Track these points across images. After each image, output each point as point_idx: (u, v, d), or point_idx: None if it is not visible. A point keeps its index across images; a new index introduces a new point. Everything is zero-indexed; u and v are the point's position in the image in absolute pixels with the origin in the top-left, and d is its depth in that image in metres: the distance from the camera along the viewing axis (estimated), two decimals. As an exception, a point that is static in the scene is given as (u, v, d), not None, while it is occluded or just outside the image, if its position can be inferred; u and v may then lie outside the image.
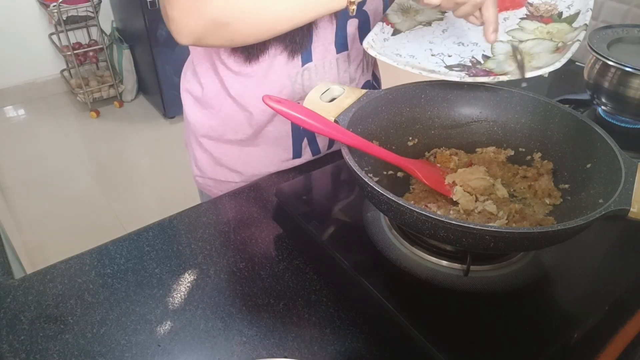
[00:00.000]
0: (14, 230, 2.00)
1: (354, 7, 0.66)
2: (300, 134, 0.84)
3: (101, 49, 2.86)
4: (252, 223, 0.75)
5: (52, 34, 2.83)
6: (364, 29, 0.80)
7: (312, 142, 0.86)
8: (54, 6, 2.53)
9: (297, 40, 0.74)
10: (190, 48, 0.82)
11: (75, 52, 2.73)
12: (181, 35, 0.66)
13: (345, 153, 0.57)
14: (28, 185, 2.40)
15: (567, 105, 0.67)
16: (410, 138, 0.72)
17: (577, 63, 1.22)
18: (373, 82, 0.92)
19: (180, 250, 0.70)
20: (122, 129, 2.81)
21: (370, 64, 0.89)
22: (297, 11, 0.66)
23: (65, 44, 2.73)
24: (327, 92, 0.68)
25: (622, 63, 0.85)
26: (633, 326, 0.57)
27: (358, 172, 0.54)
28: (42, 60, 2.95)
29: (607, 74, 0.88)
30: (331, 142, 0.88)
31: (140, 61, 2.85)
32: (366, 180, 0.53)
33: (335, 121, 0.63)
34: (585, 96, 0.96)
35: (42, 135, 2.77)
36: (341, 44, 0.79)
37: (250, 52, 0.75)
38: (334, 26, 0.76)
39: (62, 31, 2.67)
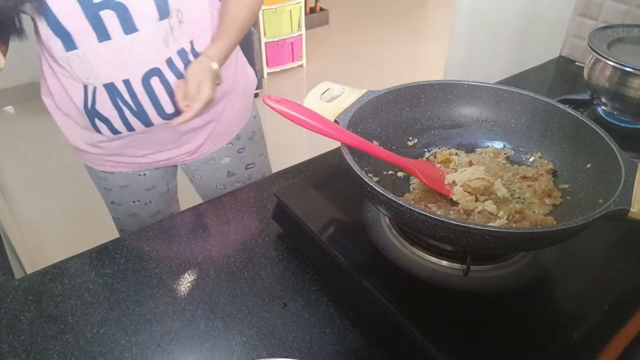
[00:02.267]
0: (14, 230, 2.00)
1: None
2: (91, 112, 0.85)
3: (101, 49, 2.86)
4: (252, 223, 0.75)
5: (52, 34, 2.83)
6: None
7: (106, 121, 0.86)
8: (54, 6, 2.53)
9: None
10: None
11: (75, 52, 2.72)
12: None
13: (345, 153, 0.57)
14: (28, 185, 2.40)
15: (567, 105, 0.67)
16: (410, 138, 0.72)
17: (577, 63, 1.22)
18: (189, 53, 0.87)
19: (180, 250, 0.70)
20: (122, 129, 2.81)
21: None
22: None
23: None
24: (327, 92, 0.68)
25: (622, 63, 0.85)
26: (633, 326, 0.57)
27: (358, 172, 0.54)
28: (42, 60, 2.95)
29: (607, 74, 0.88)
30: (128, 125, 0.87)
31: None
32: (366, 180, 0.53)
33: (335, 121, 0.63)
34: (585, 96, 0.96)
35: (42, 135, 2.77)
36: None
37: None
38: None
39: (62, 31, 2.67)
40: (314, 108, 0.65)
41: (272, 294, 0.63)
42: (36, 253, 2.00)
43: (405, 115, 0.71)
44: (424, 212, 0.50)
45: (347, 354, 0.56)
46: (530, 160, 0.70)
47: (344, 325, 0.59)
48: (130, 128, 0.87)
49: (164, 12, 0.77)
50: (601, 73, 0.89)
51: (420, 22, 4.05)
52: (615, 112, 0.92)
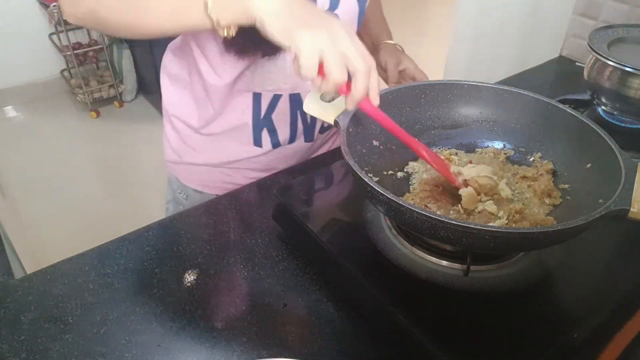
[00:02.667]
0: (14, 230, 2.00)
1: (230, 31, 0.60)
2: (260, 123, 0.85)
3: (101, 49, 2.86)
4: (252, 223, 0.75)
5: (52, 34, 2.83)
6: None
7: (272, 133, 0.86)
8: (54, 6, 2.53)
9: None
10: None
11: (75, 52, 2.72)
12: (68, 17, 0.69)
13: (345, 153, 0.57)
14: (28, 185, 2.40)
15: (567, 105, 0.67)
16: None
17: (577, 63, 1.22)
18: None
19: (180, 250, 0.70)
20: (122, 129, 2.81)
21: None
22: (165, 20, 0.64)
23: (65, 44, 2.72)
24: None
25: (623, 63, 0.85)
26: (633, 326, 0.58)
27: (358, 172, 0.54)
28: (42, 60, 2.95)
29: (608, 74, 0.88)
30: (292, 135, 0.88)
31: (140, 61, 2.85)
32: (366, 180, 0.53)
33: (336, 122, 0.63)
34: (585, 96, 0.96)
35: (42, 135, 2.77)
36: None
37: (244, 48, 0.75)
38: None
39: (62, 31, 2.67)
40: (314, 107, 0.65)
41: (272, 294, 0.63)
42: (36, 253, 2.00)
43: (406, 116, 0.71)
44: (424, 212, 0.50)
45: (347, 354, 0.56)
46: (530, 160, 0.70)
47: (344, 325, 0.59)
48: (292, 139, 0.87)
49: (360, 18, 0.78)
50: (601, 73, 0.89)
51: (420, 22, 4.05)
52: (615, 112, 0.91)
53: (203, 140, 0.89)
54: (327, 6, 0.75)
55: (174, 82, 0.89)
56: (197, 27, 0.63)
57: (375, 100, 0.59)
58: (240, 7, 0.57)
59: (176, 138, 0.92)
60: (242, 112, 0.84)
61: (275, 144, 0.87)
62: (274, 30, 0.55)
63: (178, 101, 0.89)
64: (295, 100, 0.83)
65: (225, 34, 0.60)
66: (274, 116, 0.84)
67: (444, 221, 0.49)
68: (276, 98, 0.82)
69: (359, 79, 0.56)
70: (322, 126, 0.90)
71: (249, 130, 0.85)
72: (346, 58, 0.55)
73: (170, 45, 0.90)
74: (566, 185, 0.65)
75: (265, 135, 0.86)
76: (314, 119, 0.86)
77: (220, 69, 0.79)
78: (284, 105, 0.83)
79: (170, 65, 0.89)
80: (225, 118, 0.85)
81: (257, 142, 0.87)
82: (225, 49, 0.75)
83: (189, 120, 0.88)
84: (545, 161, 0.69)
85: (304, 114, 0.86)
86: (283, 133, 0.86)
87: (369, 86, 0.57)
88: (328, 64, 0.54)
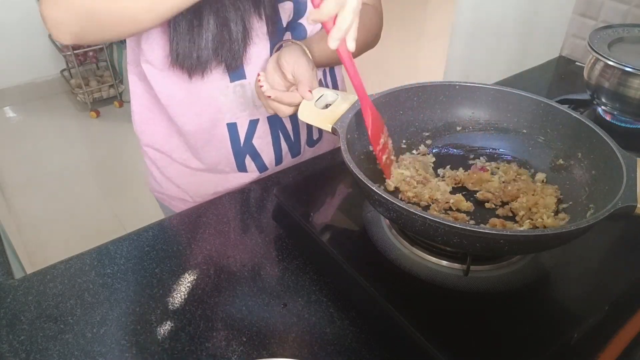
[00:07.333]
0: (14, 230, 2.00)
1: None
2: (242, 151, 0.82)
3: (101, 49, 2.86)
4: (252, 223, 0.75)
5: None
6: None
7: (256, 158, 0.84)
8: (54, 6, 2.53)
9: (233, 56, 0.72)
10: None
11: (75, 52, 2.73)
12: (59, 33, 0.64)
13: (345, 152, 0.57)
14: (28, 185, 2.40)
15: (566, 106, 0.67)
16: (404, 141, 0.72)
17: (577, 63, 1.22)
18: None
19: (180, 250, 0.70)
20: (122, 129, 2.81)
21: None
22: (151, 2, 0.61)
23: (65, 44, 2.73)
24: (321, 98, 0.68)
25: (623, 63, 0.85)
26: (633, 326, 0.57)
27: (357, 173, 0.54)
28: (42, 60, 2.95)
29: (607, 74, 0.88)
30: (278, 158, 0.86)
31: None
32: (365, 181, 0.53)
33: (333, 129, 0.62)
34: (585, 96, 0.96)
35: (42, 135, 2.77)
36: None
37: (192, 69, 0.72)
38: (268, 42, 0.74)
39: (62, 31, 2.67)
40: (309, 114, 0.65)
41: (272, 294, 0.63)
42: (36, 253, 2.01)
43: (399, 119, 0.71)
44: (418, 213, 0.50)
45: (347, 354, 0.56)
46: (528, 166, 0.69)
47: (344, 325, 0.59)
48: (279, 161, 0.85)
49: None
50: (601, 73, 0.89)
51: (420, 22, 4.05)
52: (615, 112, 0.92)
53: (185, 175, 0.86)
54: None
55: (140, 105, 0.84)
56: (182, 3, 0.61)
57: (351, 44, 0.59)
58: None
59: (157, 172, 0.89)
60: (219, 143, 0.81)
61: (261, 167, 0.85)
62: None
63: (149, 128, 0.85)
64: (274, 121, 0.81)
65: None
66: (254, 141, 0.82)
67: (444, 223, 0.49)
68: (253, 123, 0.80)
69: (346, 12, 0.56)
70: (309, 139, 0.88)
71: (231, 159, 0.83)
72: None
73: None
74: (567, 186, 0.65)
75: (249, 161, 0.84)
76: (297, 134, 0.85)
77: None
78: (263, 128, 0.81)
79: (134, 87, 0.83)
80: (202, 153, 0.83)
81: (241, 168, 0.84)
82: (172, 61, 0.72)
83: (163, 148, 0.85)
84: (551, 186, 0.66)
85: (286, 132, 0.84)
86: (268, 155, 0.84)
87: (351, 26, 0.58)
88: None
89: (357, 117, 0.64)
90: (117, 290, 0.64)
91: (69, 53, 2.71)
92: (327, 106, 0.66)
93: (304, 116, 0.66)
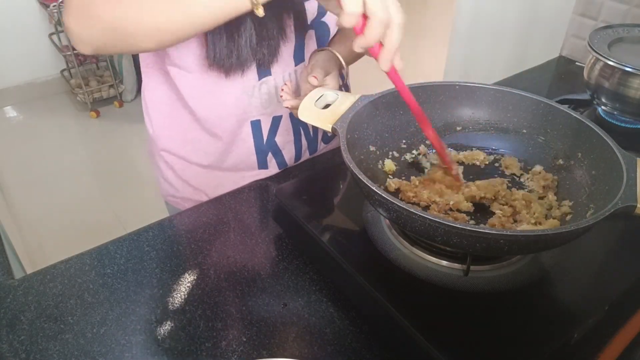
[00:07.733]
0: (14, 230, 2.00)
1: (260, 9, 0.58)
2: (264, 149, 0.83)
3: (101, 49, 2.86)
4: (252, 223, 0.75)
5: (52, 34, 2.83)
6: (322, 40, 0.80)
7: (277, 155, 0.84)
8: (54, 6, 2.53)
9: (271, 53, 0.73)
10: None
11: (75, 52, 2.72)
12: (81, 44, 0.63)
13: (345, 153, 0.57)
14: (28, 185, 2.40)
15: (566, 106, 0.67)
16: (404, 141, 0.72)
17: (577, 63, 1.22)
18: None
19: (180, 250, 0.70)
20: (122, 129, 2.81)
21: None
22: (201, 13, 0.59)
23: (65, 44, 2.73)
24: (321, 98, 0.68)
25: (623, 63, 0.85)
26: (633, 326, 0.57)
27: (357, 174, 0.54)
28: (42, 60, 2.95)
29: (607, 74, 0.88)
30: (298, 154, 0.87)
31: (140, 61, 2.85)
32: (365, 181, 0.53)
33: (334, 129, 0.62)
34: (585, 96, 0.96)
35: (42, 135, 2.77)
36: (299, 57, 0.78)
37: (231, 68, 0.72)
38: (293, 42, 0.75)
39: (62, 31, 2.67)
40: (309, 115, 0.65)
41: (272, 294, 0.63)
42: (36, 253, 2.00)
43: (399, 119, 0.71)
44: (423, 215, 0.50)
45: (347, 354, 0.56)
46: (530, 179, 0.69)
47: (344, 325, 0.59)
48: (298, 157, 0.85)
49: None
50: (601, 73, 0.89)
51: (420, 22, 4.05)
52: (615, 112, 0.92)
53: (205, 177, 0.86)
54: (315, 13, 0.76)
55: (161, 113, 0.84)
56: (232, 12, 0.59)
57: (399, 63, 0.56)
58: None
59: (173, 175, 0.88)
60: (243, 142, 0.82)
61: (282, 164, 0.86)
62: None
63: (166, 132, 0.85)
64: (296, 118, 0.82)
65: (262, 14, 0.58)
66: (277, 138, 0.83)
67: (444, 223, 0.49)
68: (276, 120, 0.81)
69: (394, 32, 0.53)
70: (324, 135, 0.89)
71: (253, 158, 0.84)
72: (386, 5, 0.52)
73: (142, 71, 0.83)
74: (567, 186, 0.65)
75: (269, 158, 0.84)
76: (315, 129, 0.85)
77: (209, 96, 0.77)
78: (286, 124, 0.82)
79: (150, 93, 0.83)
80: (226, 155, 0.83)
81: (262, 165, 0.85)
82: (209, 64, 0.71)
83: (180, 152, 0.85)
84: (550, 176, 0.67)
85: (306, 128, 0.85)
86: (289, 152, 0.85)
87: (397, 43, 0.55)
88: (371, 6, 0.51)
89: (357, 117, 0.64)
90: (117, 290, 0.64)
91: (69, 53, 2.71)
92: (327, 106, 0.66)
93: (304, 116, 0.66)
